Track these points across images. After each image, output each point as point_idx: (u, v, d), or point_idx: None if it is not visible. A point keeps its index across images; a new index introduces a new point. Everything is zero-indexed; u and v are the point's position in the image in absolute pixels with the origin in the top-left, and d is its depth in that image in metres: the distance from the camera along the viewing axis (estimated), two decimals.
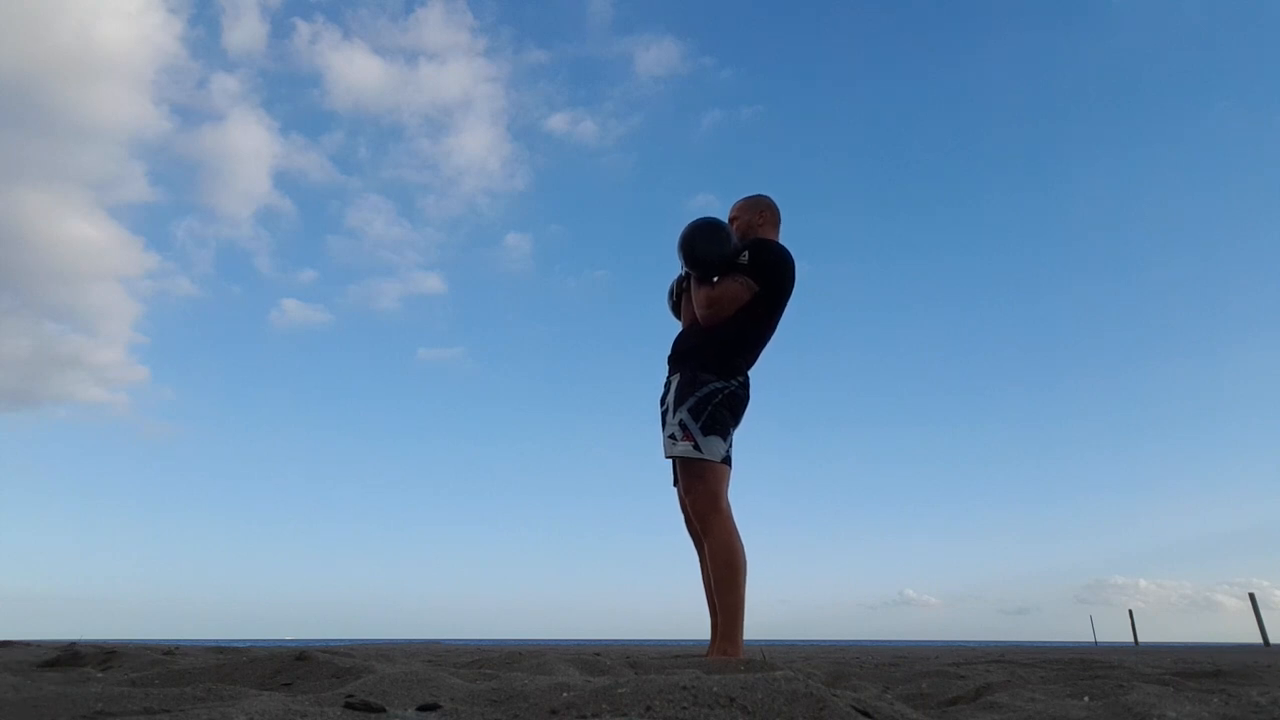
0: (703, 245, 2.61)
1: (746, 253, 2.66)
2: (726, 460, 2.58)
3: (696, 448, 2.50)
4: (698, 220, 2.65)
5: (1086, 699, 1.52)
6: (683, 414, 2.54)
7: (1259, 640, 15.14)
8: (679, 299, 2.91)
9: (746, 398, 2.66)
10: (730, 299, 2.60)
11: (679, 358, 2.71)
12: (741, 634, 2.44)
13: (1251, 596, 15.86)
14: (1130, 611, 20.02)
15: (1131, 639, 19.64)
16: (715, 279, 2.65)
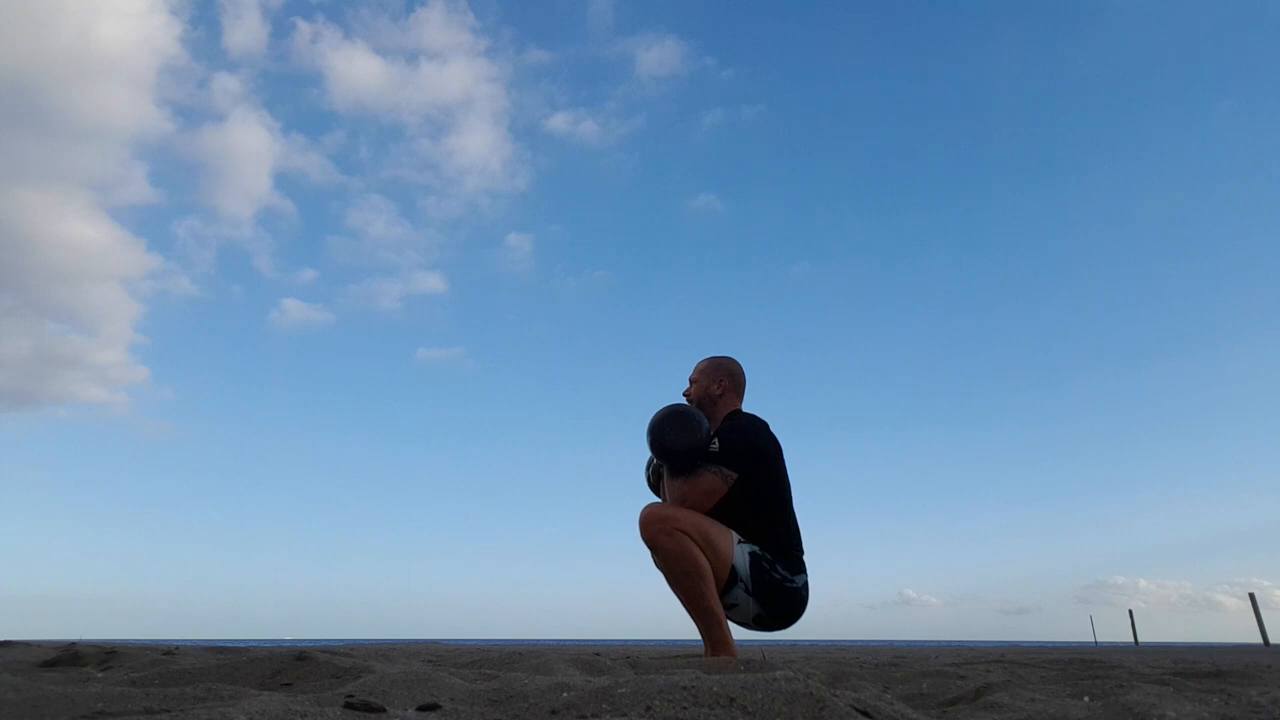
0: (672, 437, 2.48)
1: (716, 440, 2.52)
2: (737, 615, 2.45)
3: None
4: (665, 410, 2.54)
5: (1086, 699, 1.52)
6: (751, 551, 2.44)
7: (1259, 640, 15.15)
8: (658, 480, 2.78)
9: (805, 601, 2.51)
10: (703, 493, 2.47)
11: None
12: (729, 634, 2.38)
13: (1251, 596, 15.88)
14: (1130, 611, 20.07)
15: (1131, 639, 19.66)
16: (690, 469, 2.51)
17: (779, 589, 2.44)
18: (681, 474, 2.51)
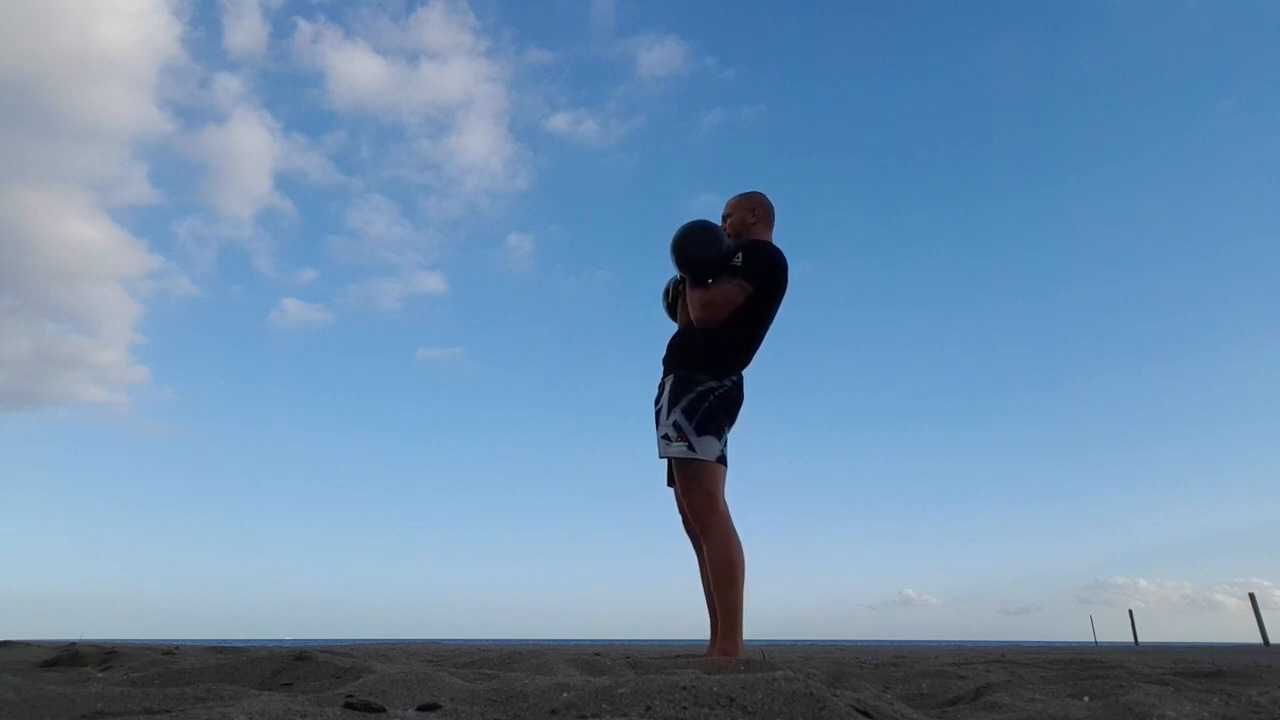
0: (695, 248, 2.62)
1: (740, 255, 2.66)
2: (722, 460, 2.59)
3: (691, 448, 2.51)
4: (690, 222, 2.66)
5: (1086, 699, 1.52)
6: (676, 415, 2.55)
7: (1259, 640, 15.14)
8: (674, 300, 2.92)
9: (740, 397, 2.67)
10: (724, 301, 2.61)
11: (673, 359, 2.72)
12: (741, 633, 2.44)
13: (1251, 596, 15.86)
14: (1130, 611, 20.01)
15: (1131, 639, 19.63)
16: (709, 281, 2.66)
17: (712, 401, 2.58)
18: (702, 284, 2.65)
